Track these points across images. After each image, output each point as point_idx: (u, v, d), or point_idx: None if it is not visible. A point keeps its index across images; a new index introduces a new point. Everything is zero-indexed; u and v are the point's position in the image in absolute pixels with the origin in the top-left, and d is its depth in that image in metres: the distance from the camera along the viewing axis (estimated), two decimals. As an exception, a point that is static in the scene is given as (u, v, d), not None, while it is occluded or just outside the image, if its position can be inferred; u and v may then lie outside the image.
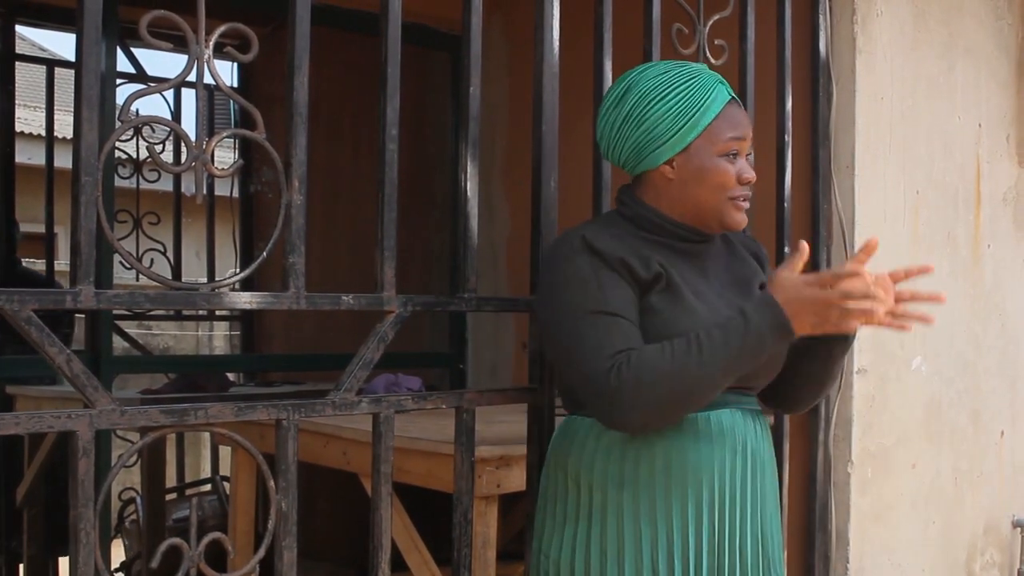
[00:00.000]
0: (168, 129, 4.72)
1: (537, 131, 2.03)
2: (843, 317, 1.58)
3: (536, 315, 1.85)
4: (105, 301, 1.47)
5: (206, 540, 1.55)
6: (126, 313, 5.11)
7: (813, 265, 2.72)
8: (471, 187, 1.94)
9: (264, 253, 1.59)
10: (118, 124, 1.51)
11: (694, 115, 1.72)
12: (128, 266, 1.57)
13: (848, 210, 2.69)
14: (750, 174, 1.76)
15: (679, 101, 1.72)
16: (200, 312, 5.97)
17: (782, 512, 2.19)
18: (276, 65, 1.85)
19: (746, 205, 1.77)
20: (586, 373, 1.64)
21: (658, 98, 1.72)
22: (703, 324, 1.67)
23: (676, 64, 1.78)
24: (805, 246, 1.64)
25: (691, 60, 2.12)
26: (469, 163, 1.93)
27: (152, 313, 5.95)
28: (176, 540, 1.51)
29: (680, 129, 1.71)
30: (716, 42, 2.25)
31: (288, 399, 1.69)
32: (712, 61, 2.22)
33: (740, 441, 1.73)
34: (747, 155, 1.78)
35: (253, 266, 1.63)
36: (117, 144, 4.54)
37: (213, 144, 1.51)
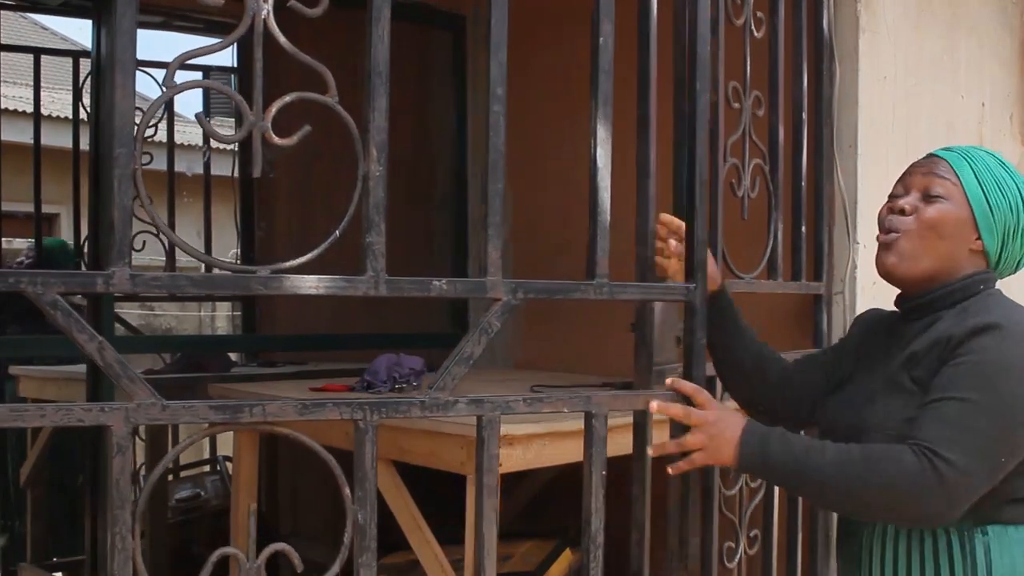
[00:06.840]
0: (163, 110, 4.65)
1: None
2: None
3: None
4: (142, 284, 1.29)
5: (266, 553, 1.40)
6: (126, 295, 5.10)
7: (815, 246, 2.71)
8: (602, 154, 1.65)
9: (337, 232, 1.40)
10: (162, 91, 1.35)
11: None
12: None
13: (851, 190, 2.68)
14: (893, 203, 1.76)
15: None
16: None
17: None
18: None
19: (892, 242, 1.73)
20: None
21: None
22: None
23: None
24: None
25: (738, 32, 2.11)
26: (599, 125, 1.64)
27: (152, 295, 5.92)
28: (231, 550, 1.37)
29: None
30: (758, 15, 2.26)
31: (360, 397, 1.56)
32: (755, 35, 2.25)
33: None
34: (912, 197, 1.76)
35: (323, 247, 1.40)
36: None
37: (273, 110, 1.36)
